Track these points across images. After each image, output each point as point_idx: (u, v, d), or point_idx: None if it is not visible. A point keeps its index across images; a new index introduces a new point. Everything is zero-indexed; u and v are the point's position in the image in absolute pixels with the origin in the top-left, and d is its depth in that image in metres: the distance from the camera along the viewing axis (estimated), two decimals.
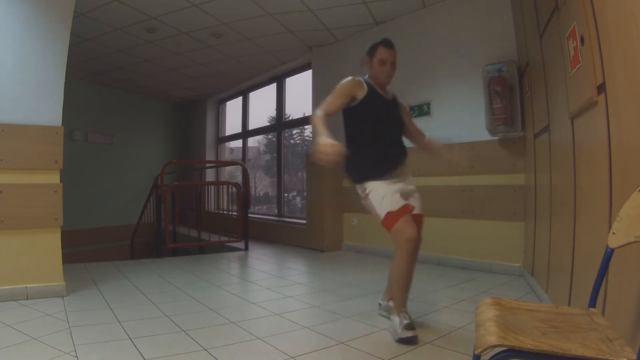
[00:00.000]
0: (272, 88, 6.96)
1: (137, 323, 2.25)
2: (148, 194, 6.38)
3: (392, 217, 2.09)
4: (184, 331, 2.13)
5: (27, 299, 2.66)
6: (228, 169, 8.23)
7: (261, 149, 8.56)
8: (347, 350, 1.91)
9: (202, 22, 4.60)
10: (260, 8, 4.29)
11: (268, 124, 7.55)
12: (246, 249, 5.21)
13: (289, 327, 2.24)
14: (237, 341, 2.01)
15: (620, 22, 1.28)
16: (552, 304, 2.19)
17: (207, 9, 4.28)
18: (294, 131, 7.40)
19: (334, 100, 2.16)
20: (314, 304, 2.72)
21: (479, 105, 3.67)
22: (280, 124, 6.84)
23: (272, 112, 7.23)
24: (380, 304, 2.42)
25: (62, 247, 2.84)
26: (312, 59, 5.65)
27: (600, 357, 0.86)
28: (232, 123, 8.35)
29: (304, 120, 6.43)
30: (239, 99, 7.90)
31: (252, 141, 8.14)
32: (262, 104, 7.73)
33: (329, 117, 2.16)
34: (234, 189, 5.84)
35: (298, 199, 7.02)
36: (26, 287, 2.68)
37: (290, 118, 6.86)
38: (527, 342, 0.90)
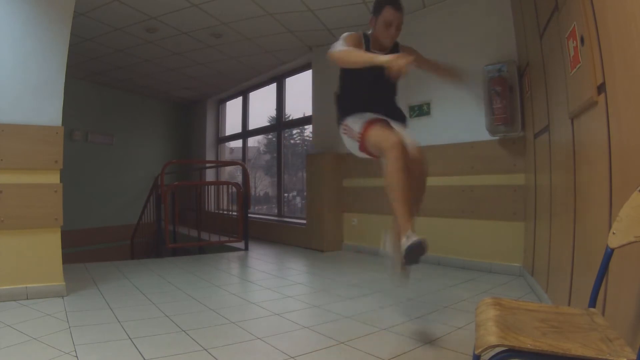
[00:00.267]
0: (272, 88, 6.97)
1: (137, 323, 2.25)
2: (148, 194, 6.38)
3: (367, 127, 1.99)
4: (184, 331, 2.13)
5: (27, 299, 2.66)
6: (228, 169, 8.23)
7: (261, 149, 8.56)
8: (347, 350, 1.91)
9: (202, 22, 4.60)
10: (260, 8, 4.29)
11: (268, 124, 7.55)
12: (246, 249, 5.21)
13: (289, 327, 2.24)
14: (237, 341, 2.01)
15: (620, 22, 1.28)
16: (552, 304, 2.19)
17: (207, 9, 4.28)
18: (294, 131, 7.40)
19: (347, 42, 2.06)
20: (314, 304, 2.72)
21: (479, 105, 3.67)
22: (280, 124, 6.83)
23: (272, 112, 7.23)
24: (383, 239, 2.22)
25: (62, 247, 2.84)
26: (312, 59, 5.65)
27: (600, 357, 0.86)
28: (232, 123, 8.36)
29: (304, 120, 6.43)
30: (239, 99, 7.90)
31: (252, 141, 8.14)
32: (262, 104, 7.73)
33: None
34: (234, 189, 5.84)
35: (298, 199, 7.02)
36: (26, 287, 2.68)
37: (290, 118, 6.86)
38: (527, 342, 0.90)
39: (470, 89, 2.29)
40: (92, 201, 7.07)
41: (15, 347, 1.87)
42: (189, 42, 5.22)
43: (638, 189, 1.07)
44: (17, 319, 2.25)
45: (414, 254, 1.78)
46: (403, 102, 4.33)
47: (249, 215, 5.51)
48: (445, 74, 2.30)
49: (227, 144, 8.59)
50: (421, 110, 4.28)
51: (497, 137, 3.62)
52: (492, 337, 0.93)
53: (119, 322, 2.26)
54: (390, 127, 2.02)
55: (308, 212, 5.29)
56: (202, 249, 5.64)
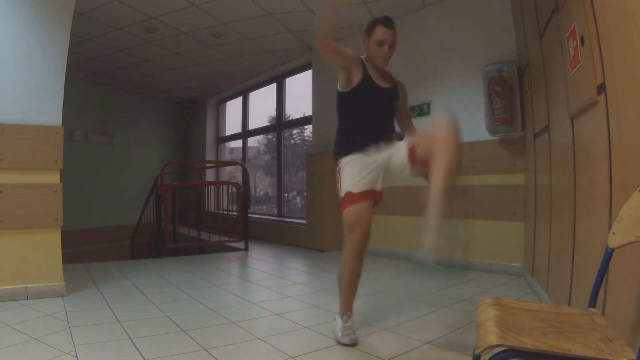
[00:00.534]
0: (272, 88, 6.97)
1: (137, 323, 2.25)
2: (148, 194, 6.38)
3: (348, 198, 1.99)
4: (184, 331, 2.13)
5: (27, 299, 2.66)
6: (228, 169, 8.23)
7: (261, 149, 8.56)
8: (347, 350, 1.91)
9: (202, 22, 4.60)
10: (260, 8, 4.29)
11: (268, 124, 7.55)
12: (246, 249, 5.20)
13: (289, 327, 2.24)
14: (237, 341, 2.01)
15: (620, 22, 1.28)
16: (552, 304, 2.19)
17: (207, 9, 4.28)
18: (294, 131, 7.40)
19: (344, 49, 2.02)
20: (314, 304, 2.72)
21: (479, 105, 3.67)
22: (280, 124, 6.84)
23: (272, 112, 7.23)
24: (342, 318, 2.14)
25: (62, 247, 2.84)
26: (312, 59, 5.65)
27: (600, 357, 0.86)
28: (232, 123, 8.36)
29: (304, 120, 6.43)
30: (239, 99, 7.90)
31: (252, 141, 8.14)
32: (262, 104, 7.73)
33: (331, 41, 1.93)
34: (234, 189, 5.84)
35: (298, 199, 7.02)
36: (26, 287, 2.68)
37: (290, 118, 6.86)
38: (527, 342, 0.90)
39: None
40: (92, 201, 7.07)
41: (15, 347, 1.87)
42: (189, 42, 5.22)
43: (638, 189, 1.07)
44: (17, 319, 2.25)
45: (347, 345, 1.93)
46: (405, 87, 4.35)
47: (249, 215, 5.51)
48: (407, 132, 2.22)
49: (227, 144, 8.59)
50: (421, 111, 4.28)
51: (497, 137, 3.62)
52: (492, 337, 0.93)
53: (119, 322, 2.26)
54: (368, 210, 2.01)
55: (308, 212, 5.28)
56: (202, 249, 5.64)
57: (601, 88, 1.49)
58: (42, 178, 2.77)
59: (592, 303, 1.18)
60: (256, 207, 7.61)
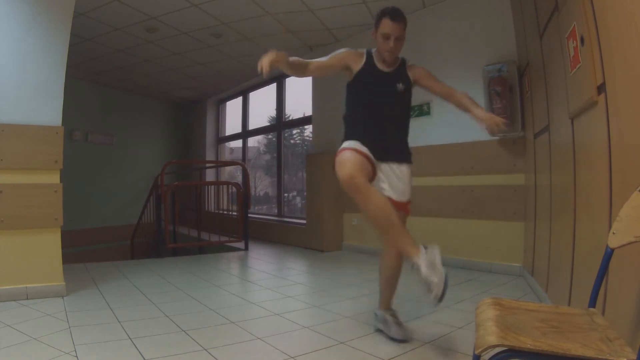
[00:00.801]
0: (272, 88, 6.97)
1: (137, 323, 2.25)
2: (148, 194, 6.38)
3: (342, 150, 1.91)
4: (184, 331, 2.13)
5: (27, 299, 2.66)
6: (228, 169, 8.22)
7: (261, 149, 8.56)
8: (347, 350, 1.91)
9: (202, 22, 4.60)
10: (260, 8, 4.29)
11: (268, 124, 7.55)
12: (246, 249, 5.20)
13: (289, 327, 2.24)
14: (237, 341, 2.01)
15: (620, 22, 1.28)
16: (552, 304, 2.19)
17: (207, 9, 4.28)
18: (294, 131, 7.40)
19: (327, 60, 2.05)
20: (314, 304, 2.72)
21: (479, 105, 3.67)
22: (280, 124, 6.83)
23: (272, 112, 7.23)
24: (376, 315, 2.20)
25: (62, 247, 2.84)
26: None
27: (600, 357, 0.86)
28: (232, 123, 8.35)
29: (304, 120, 6.43)
30: (239, 99, 7.90)
31: (252, 141, 8.14)
32: (262, 104, 7.73)
33: (310, 70, 2.02)
34: (234, 189, 5.84)
35: (298, 199, 7.02)
36: (26, 287, 2.68)
37: (290, 118, 6.86)
38: (527, 342, 0.90)
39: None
40: (92, 201, 7.07)
41: (15, 347, 1.87)
42: (189, 42, 5.22)
43: (638, 189, 1.07)
44: (17, 319, 2.25)
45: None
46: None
47: (249, 215, 5.51)
48: (459, 105, 2.14)
49: (227, 144, 8.59)
50: (421, 110, 4.28)
51: (497, 137, 3.62)
52: (492, 337, 0.93)
53: (119, 322, 2.26)
54: (361, 161, 1.85)
55: (308, 212, 5.29)
56: (202, 249, 5.64)
57: (601, 88, 1.49)
58: (42, 178, 2.77)
59: (592, 303, 1.18)
60: (256, 207, 7.61)
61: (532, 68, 2.96)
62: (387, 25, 1.96)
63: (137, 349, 1.86)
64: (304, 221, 5.45)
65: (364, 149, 1.92)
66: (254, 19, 4.57)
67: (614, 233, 1.12)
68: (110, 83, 7.22)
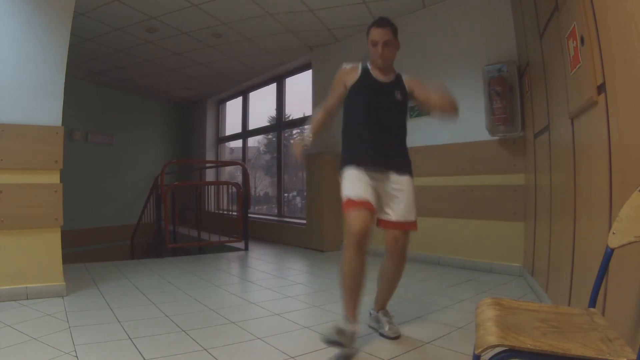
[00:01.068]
0: (272, 88, 6.97)
1: (137, 323, 2.25)
2: (148, 194, 6.38)
3: (347, 204, 1.95)
4: (184, 331, 2.13)
5: (27, 299, 2.66)
6: (228, 169, 8.22)
7: (261, 149, 8.57)
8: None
9: (202, 22, 4.60)
10: (260, 8, 4.29)
11: (268, 124, 7.55)
12: (246, 249, 5.20)
13: (289, 327, 2.24)
14: (237, 341, 2.01)
15: (620, 22, 1.28)
16: (552, 304, 2.19)
17: (207, 9, 4.28)
18: (294, 131, 7.40)
19: (331, 95, 2.14)
20: (314, 304, 2.72)
21: (479, 105, 3.67)
22: (280, 124, 6.84)
23: (272, 112, 7.23)
24: (370, 314, 2.25)
25: (62, 247, 2.84)
26: (312, 59, 5.66)
27: (600, 357, 0.86)
28: (232, 123, 8.36)
29: (304, 120, 6.43)
30: (239, 99, 7.90)
31: (252, 141, 8.13)
32: (262, 104, 7.73)
33: (329, 112, 2.14)
34: (234, 189, 5.84)
35: (298, 199, 7.02)
36: (26, 287, 2.68)
37: (290, 118, 6.86)
38: (527, 342, 0.90)
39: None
40: (92, 201, 7.07)
41: (15, 347, 1.87)
42: (189, 42, 5.22)
43: (638, 189, 1.07)
44: (17, 319, 2.25)
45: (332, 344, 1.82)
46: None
47: (249, 215, 5.51)
48: (435, 108, 2.15)
49: (227, 144, 8.59)
50: (421, 110, 4.27)
51: (497, 137, 3.62)
52: (492, 337, 0.93)
53: (119, 322, 2.26)
54: (366, 212, 1.91)
55: (308, 212, 5.28)
56: (202, 249, 5.64)
57: (601, 88, 1.49)
58: (42, 178, 2.77)
59: (592, 303, 1.18)
60: (256, 207, 7.61)
61: (532, 68, 2.96)
62: (373, 32, 2.04)
63: (137, 349, 1.86)
64: (304, 221, 5.45)
65: (364, 194, 1.96)
66: (254, 19, 4.57)
67: (614, 233, 1.12)
68: (110, 83, 7.22)
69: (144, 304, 2.65)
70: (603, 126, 1.47)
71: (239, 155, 7.95)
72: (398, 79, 2.16)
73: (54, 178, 2.82)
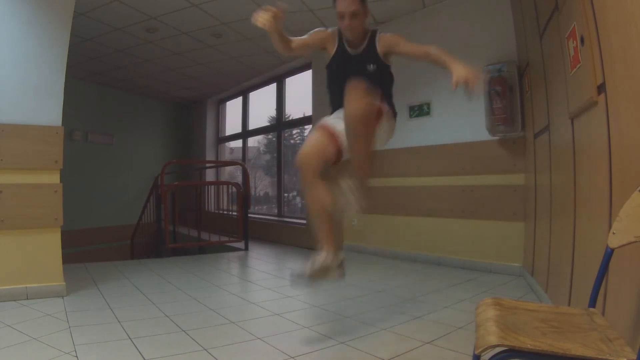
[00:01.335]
0: (272, 88, 6.96)
1: (137, 323, 2.25)
2: (148, 194, 6.38)
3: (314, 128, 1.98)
4: (184, 331, 2.13)
5: (27, 299, 2.66)
6: (228, 169, 8.22)
7: (261, 149, 8.57)
8: (347, 350, 1.91)
9: (202, 22, 4.60)
10: (261, 8, 4.29)
11: (268, 124, 7.55)
12: (246, 249, 5.20)
13: (289, 327, 2.24)
14: (237, 341, 2.01)
15: (620, 22, 1.28)
16: (552, 304, 2.19)
17: (207, 9, 4.28)
18: (294, 131, 7.40)
19: (304, 37, 2.09)
20: (314, 304, 2.72)
21: (479, 105, 3.67)
22: (280, 124, 6.83)
23: (272, 112, 7.23)
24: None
25: (62, 247, 2.84)
26: (312, 59, 5.65)
27: (600, 357, 0.86)
28: (232, 123, 8.35)
29: (304, 120, 6.43)
30: (239, 99, 7.90)
31: (252, 141, 8.13)
32: (262, 104, 7.73)
33: (293, 48, 2.05)
34: (234, 189, 5.84)
35: (298, 199, 7.01)
36: (26, 287, 2.68)
37: (290, 118, 6.86)
38: (527, 342, 0.90)
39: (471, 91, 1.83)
40: (92, 201, 7.07)
41: (15, 347, 1.87)
42: (189, 42, 5.22)
43: (638, 189, 1.07)
44: (17, 319, 2.25)
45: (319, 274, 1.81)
46: (403, 102, 4.36)
47: (249, 215, 5.51)
48: (436, 63, 2.03)
49: (227, 144, 8.59)
50: (421, 110, 4.28)
51: (497, 137, 3.62)
52: (492, 337, 0.93)
53: (119, 322, 2.26)
54: (322, 147, 1.87)
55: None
56: (202, 249, 5.64)
57: (601, 88, 1.49)
58: (42, 178, 2.77)
59: (592, 303, 1.18)
60: (256, 207, 7.61)
61: (532, 68, 2.96)
62: (338, 4, 1.96)
63: (137, 349, 1.86)
64: (304, 221, 5.45)
65: (332, 122, 1.91)
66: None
67: (614, 233, 1.12)
68: (110, 83, 7.22)
69: (144, 304, 2.65)
70: (603, 126, 1.47)
71: (239, 155, 7.95)
72: (371, 42, 2.03)
73: (54, 178, 2.81)
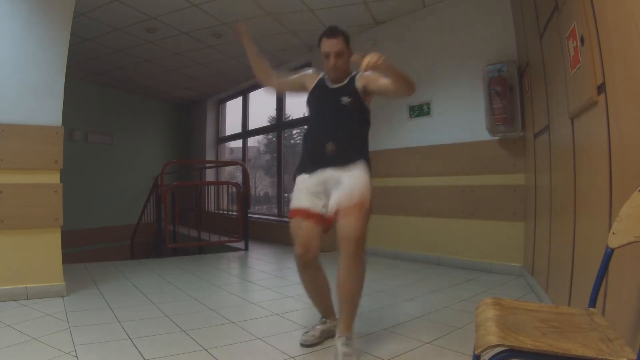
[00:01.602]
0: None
1: (137, 323, 2.25)
2: (148, 194, 6.38)
3: (290, 213, 2.09)
4: (184, 331, 2.13)
5: (27, 299, 2.66)
6: (228, 169, 8.22)
7: (261, 149, 8.57)
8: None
9: (202, 22, 4.60)
10: (261, 8, 4.29)
11: (268, 124, 7.55)
12: (246, 249, 5.20)
13: (289, 327, 2.24)
14: (237, 341, 2.01)
15: (620, 22, 1.28)
16: (552, 304, 2.19)
17: (207, 9, 4.28)
18: (294, 131, 7.41)
19: (289, 77, 2.20)
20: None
21: (479, 105, 3.67)
22: (280, 124, 6.84)
23: (272, 112, 7.24)
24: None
25: (62, 247, 2.84)
26: (312, 59, 5.65)
27: (600, 357, 0.86)
28: (232, 123, 8.37)
29: (304, 120, 6.43)
30: (239, 99, 7.90)
31: (252, 141, 8.15)
32: (262, 104, 7.75)
33: (273, 81, 2.27)
34: (234, 189, 5.84)
35: None
36: (26, 287, 2.68)
37: (290, 118, 6.86)
38: (527, 342, 0.90)
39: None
40: (92, 201, 7.07)
41: (15, 347, 1.87)
42: (189, 42, 5.22)
43: (638, 189, 1.07)
44: (17, 319, 2.25)
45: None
46: (403, 102, 4.37)
47: (249, 215, 5.51)
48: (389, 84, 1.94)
49: (227, 144, 8.59)
50: (421, 110, 4.28)
51: (497, 137, 3.62)
52: (492, 337, 0.93)
53: (119, 322, 2.26)
54: (303, 229, 2.00)
55: None
56: (202, 249, 5.64)
57: (601, 88, 1.49)
58: (42, 178, 2.77)
59: (592, 303, 1.18)
60: (256, 207, 7.61)
61: (532, 68, 2.96)
62: (324, 44, 2.00)
63: (137, 349, 1.86)
64: None
65: (305, 203, 2.04)
66: (254, 19, 4.56)
67: (614, 233, 1.12)
68: (110, 83, 7.22)
69: (144, 304, 2.65)
70: (603, 126, 1.47)
71: (239, 155, 7.95)
72: (351, 81, 2.05)
73: (54, 178, 2.81)
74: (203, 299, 2.81)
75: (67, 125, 2.98)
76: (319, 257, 2.03)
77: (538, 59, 2.69)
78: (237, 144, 8.14)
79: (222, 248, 5.45)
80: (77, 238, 6.15)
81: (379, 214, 4.60)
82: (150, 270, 3.86)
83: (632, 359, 0.86)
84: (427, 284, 3.23)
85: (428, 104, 4.22)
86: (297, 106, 6.98)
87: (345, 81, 2.05)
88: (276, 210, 6.77)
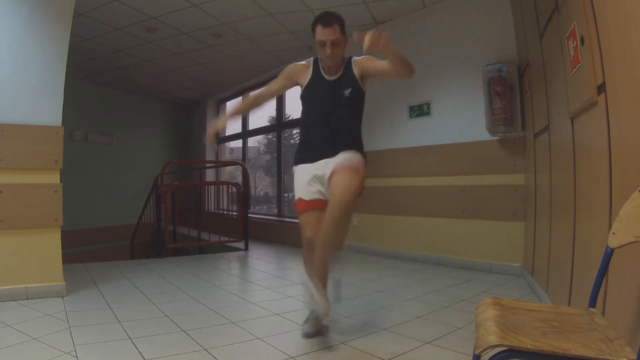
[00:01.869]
0: None
1: (137, 323, 2.25)
2: (148, 194, 6.38)
3: (299, 205, 2.04)
4: (184, 331, 2.13)
5: (27, 299, 2.66)
6: (228, 169, 8.22)
7: (261, 149, 8.57)
8: (347, 350, 1.91)
9: (202, 22, 4.60)
10: (260, 8, 4.29)
11: (268, 124, 7.55)
12: (246, 249, 5.20)
13: (289, 327, 2.24)
14: (237, 341, 2.01)
15: (620, 22, 1.28)
16: (552, 304, 2.19)
17: (207, 9, 4.28)
18: (294, 131, 7.40)
19: (271, 84, 2.16)
20: None
21: (479, 105, 3.67)
22: (280, 124, 6.83)
23: (272, 112, 7.23)
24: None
25: (62, 247, 2.84)
26: (312, 58, 5.65)
27: (600, 357, 0.86)
28: (232, 123, 8.35)
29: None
30: (239, 99, 7.89)
31: (252, 141, 8.14)
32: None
33: (258, 101, 2.20)
34: (234, 189, 5.84)
35: None
36: (26, 287, 2.68)
37: (290, 118, 6.86)
38: (527, 342, 0.90)
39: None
40: (92, 201, 7.07)
41: (15, 347, 1.87)
42: (189, 42, 5.22)
43: (638, 189, 1.07)
44: (17, 319, 2.25)
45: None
46: (403, 102, 4.37)
47: (249, 215, 5.51)
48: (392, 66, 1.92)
49: (227, 144, 8.59)
50: (421, 110, 4.28)
51: (497, 137, 3.62)
52: (492, 337, 0.93)
53: (119, 322, 2.26)
54: (315, 214, 1.97)
55: None
56: (202, 249, 5.64)
57: (601, 88, 1.49)
58: (42, 178, 2.77)
59: (592, 303, 1.18)
60: (256, 207, 7.61)
61: (532, 68, 2.96)
62: (319, 32, 1.94)
63: (137, 349, 1.86)
64: None
65: (309, 194, 2.02)
66: (254, 19, 4.57)
67: (614, 233, 1.12)
68: (110, 83, 7.22)
69: (144, 304, 2.65)
70: (603, 126, 1.47)
71: (239, 155, 7.95)
72: (347, 68, 2.04)
73: (54, 178, 2.81)
74: (203, 299, 2.81)
75: (67, 125, 2.98)
76: None
77: (538, 59, 2.69)
78: (237, 144, 8.14)
79: (222, 248, 5.45)
80: (77, 238, 6.15)
81: (379, 214, 4.61)
82: (150, 270, 3.86)
83: (632, 359, 0.86)
84: (427, 284, 3.23)
85: (428, 104, 4.22)
86: (297, 106, 6.98)
87: (342, 70, 2.03)
88: (276, 210, 6.77)
